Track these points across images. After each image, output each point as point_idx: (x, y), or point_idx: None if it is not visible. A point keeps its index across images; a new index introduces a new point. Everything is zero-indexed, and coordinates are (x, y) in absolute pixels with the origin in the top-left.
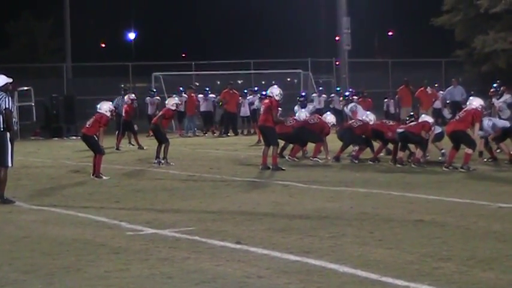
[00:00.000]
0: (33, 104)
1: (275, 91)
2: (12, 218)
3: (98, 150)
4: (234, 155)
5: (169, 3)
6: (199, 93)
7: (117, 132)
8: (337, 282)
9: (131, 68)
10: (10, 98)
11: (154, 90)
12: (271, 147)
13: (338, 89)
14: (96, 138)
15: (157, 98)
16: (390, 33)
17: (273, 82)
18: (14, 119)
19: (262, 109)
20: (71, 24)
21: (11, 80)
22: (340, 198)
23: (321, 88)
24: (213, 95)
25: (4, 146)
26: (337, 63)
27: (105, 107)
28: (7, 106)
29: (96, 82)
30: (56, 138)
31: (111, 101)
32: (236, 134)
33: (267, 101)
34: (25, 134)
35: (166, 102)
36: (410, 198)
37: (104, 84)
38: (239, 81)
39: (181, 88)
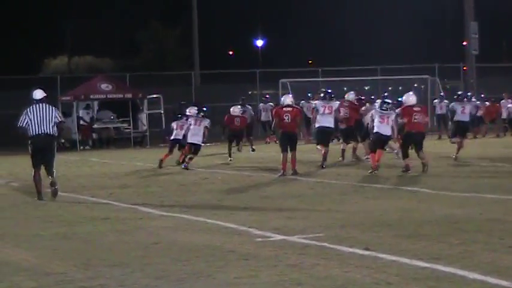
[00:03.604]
0: (162, 112)
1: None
2: (143, 224)
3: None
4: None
5: (296, 11)
6: None
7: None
8: None
9: (258, 74)
10: (54, 108)
11: (267, 96)
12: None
13: (469, 94)
14: None
15: (271, 104)
16: None
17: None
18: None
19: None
20: (199, 33)
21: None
22: (469, 205)
23: (441, 94)
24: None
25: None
26: (464, 68)
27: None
28: (61, 119)
29: (224, 89)
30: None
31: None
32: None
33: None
34: (154, 141)
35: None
36: None
37: (232, 91)
38: (366, 87)
39: (309, 94)
